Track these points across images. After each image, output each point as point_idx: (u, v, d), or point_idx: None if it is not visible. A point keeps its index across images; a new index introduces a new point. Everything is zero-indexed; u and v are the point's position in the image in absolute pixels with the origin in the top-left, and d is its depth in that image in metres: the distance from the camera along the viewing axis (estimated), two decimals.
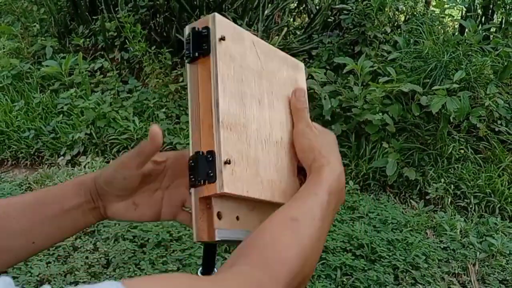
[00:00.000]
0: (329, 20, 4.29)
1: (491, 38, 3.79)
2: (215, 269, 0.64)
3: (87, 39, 4.23)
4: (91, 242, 2.37)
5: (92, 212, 0.65)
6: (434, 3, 4.49)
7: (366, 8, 3.72)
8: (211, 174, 0.56)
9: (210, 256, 0.64)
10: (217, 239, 0.56)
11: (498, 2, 4.04)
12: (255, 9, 4.36)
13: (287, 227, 0.54)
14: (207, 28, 0.59)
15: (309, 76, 3.25)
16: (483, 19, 4.20)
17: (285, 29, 4.37)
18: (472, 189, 2.94)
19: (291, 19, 5.12)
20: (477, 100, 3.28)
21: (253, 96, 0.63)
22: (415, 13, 4.43)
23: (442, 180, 2.97)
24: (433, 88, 3.05)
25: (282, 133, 0.67)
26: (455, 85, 2.96)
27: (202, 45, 0.59)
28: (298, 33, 4.63)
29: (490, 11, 4.22)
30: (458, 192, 2.96)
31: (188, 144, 0.60)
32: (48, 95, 3.75)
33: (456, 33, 4.06)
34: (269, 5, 4.47)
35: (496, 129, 3.32)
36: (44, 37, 4.42)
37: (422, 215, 2.74)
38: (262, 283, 0.48)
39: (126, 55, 4.00)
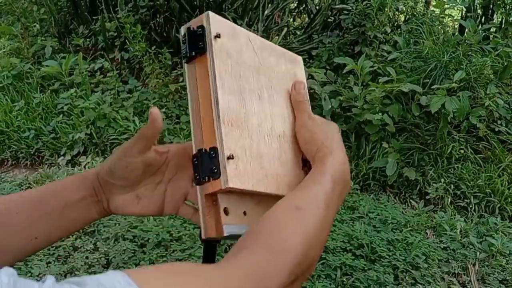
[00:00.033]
0: (329, 20, 4.30)
1: (491, 38, 3.79)
2: None
3: (87, 39, 4.23)
4: (91, 242, 2.37)
5: (95, 206, 0.65)
6: (434, 3, 4.49)
7: (366, 8, 3.72)
8: (215, 170, 0.56)
9: (210, 256, 0.64)
10: (225, 234, 0.57)
11: (498, 2, 4.05)
12: (255, 9, 4.36)
13: (291, 216, 0.54)
14: (202, 27, 0.59)
15: (309, 76, 3.25)
16: (483, 19, 4.20)
17: (285, 29, 4.37)
18: (472, 189, 2.95)
19: (291, 19, 5.12)
20: (477, 100, 3.28)
21: (252, 91, 0.64)
22: (415, 13, 4.43)
23: (442, 180, 2.98)
24: (433, 87, 3.05)
25: (284, 126, 0.67)
26: (455, 85, 2.96)
27: (198, 44, 0.59)
28: (298, 33, 4.63)
29: (490, 11, 4.23)
30: (458, 192, 2.96)
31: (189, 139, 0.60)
32: (48, 95, 3.75)
33: (456, 33, 4.06)
34: (269, 5, 4.47)
35: (496, 129, 3.32)
36: (44, 37, 4.42)
37: (422, 215, 2.75)
38: (266, 271, 0.48)
39: (126, 55, 4.00)
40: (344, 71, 3.31)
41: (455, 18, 4.56)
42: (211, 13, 0.60)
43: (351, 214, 2.67)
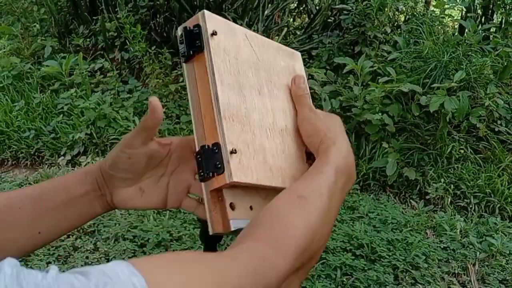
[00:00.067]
0: (329, 20, 4.30)
1: (491, 38, 3.79)
2: None
3: (87, 39, 4.23)
4: (91, 242, 2.37)
5: (99, 200, 0.65)
6: (434, 3, 4.50)
7: (366, 8, 3.73)
8: (219, 166, 0.56)
9: None
10: (232, 229, 0.57)
11: (498, 2, 4.05)
12: (255, 9, 4.36)
13: (294, 204, 0.54)
14: (198, 25, 0.60)
15: (309, 77, 3.26)
16: (483, 19, 4.20)
17: (285, 29, 4.37)
18: (472, 189, 2.95)
19: (291, 19, 5.12)
20: (477, 100, 3.29)
21: (252, 86, 0.64)
22: (415, 13, 4.43)
23: (442, 180, 2.98)
24: (432, 86, 3.06)
25: (286, 121, 0.68)
26: (454, 84, 2.97)
27: (195, 42, 0.59)
28: (298, 33, 4.63)
29: (490, 11, 4.23)
30: (458, 192, 2.96)
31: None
32: (48, 95, 3.75)
33: (456, 33, 4.06)
34: (269, 5, 4.47)
35: (496, 129, 3.32)
36: (44, 37, 4.43)
37: (422, 215, 2.75)
38: (269, 258, 0.48)
39: (126, 55, 4.00)
40: (344, 71, 3.31)
41: (455, 18, 4.57)
42: (206, 12, 0.60)
43: (351, 214, 2.68)
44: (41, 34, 4.54)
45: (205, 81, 0.59)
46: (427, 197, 2.95)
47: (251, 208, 0.61)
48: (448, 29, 4.41)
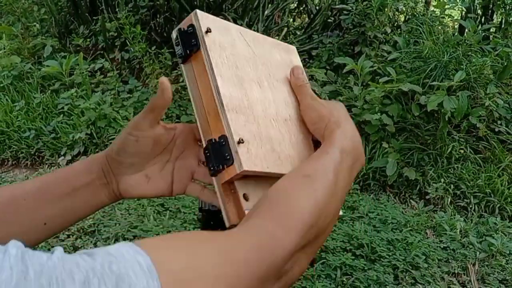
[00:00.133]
0: (329, 20, 4.30)
1: (490, 38, 3.80)
2: None
3: (88, 39, 4.23)
4: (91, 242, 2.37)
5: (104, 189, 0.65)
6: (434, 3, 4.50)
7: (366, 8, 3.73)
8: (228, 157, 0.56)
9: None
10: None
11: (498, 2, 4.05)
12: (255, 9, 4.36)
13: (299, 183, 0.54)
14: (192, 25, 0.60)
15: (309, 77, 3.26)
16: (482, 19, 4.21)
17: (285, 29, 4.38)
18: (472, 189, 2.95)
19: (291, 20, 5.12)
20: (477, 100, 3.29)
21: (251, 80, 0.64)
22: (415, 13, 4.43)
23: (442, 180, 2.98)
24: (432, 84, 3.06)
25: (289, 111, 0.68)
26: (454, 83, 2.97)
27: (191, 42, 0.60)
28: (298, 33, 4.64)
29: (489, 11, 4.23)
30: (458, 192, 2.97)
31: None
32: (49, 95, 3.75)
33: (456, 34, 4.06)
34: (269, 5, 4.48)
35: (496, 129, 3.33)
36: (45, 37, 4.43)
37: (422, 215, 2.75)
38: (275, 235, 0.48)
39: (126, 55, 4.01)
40: (344, 71, 3.32)
41: (455, 18, 4.57)
42: (198, 11, 0.61)
43: (351, 214, 2.68)
44: (42, 34, 4.55)
45: (205, 77, 0.59)
46: (427, 197, 2.96)
47: None
48: (448, 29, 4.41)
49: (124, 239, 2.36)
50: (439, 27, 4.12)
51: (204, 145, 0.59)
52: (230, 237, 0.47)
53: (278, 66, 0.71)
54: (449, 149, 3.10)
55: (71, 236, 2.41)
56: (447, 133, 3.17)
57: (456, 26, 4.44)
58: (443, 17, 4.28)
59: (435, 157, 3.12)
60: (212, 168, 0.57)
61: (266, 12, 4.35)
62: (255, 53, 0.68)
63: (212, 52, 0.59)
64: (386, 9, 3.81)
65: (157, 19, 4.16)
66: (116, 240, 2.36)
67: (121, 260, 0.35)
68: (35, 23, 4.62)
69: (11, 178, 3.15)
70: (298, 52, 0.78)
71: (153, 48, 3.75)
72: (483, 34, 3.75)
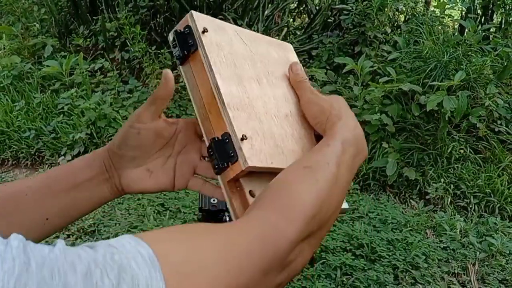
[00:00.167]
0: (329, 20, 4.31)
1: (490, 38, 3.80)
2: None
3: (88, 39, 4.23)
4: (91, 242, 2.37)
5: (106, 184, 0.65)
6: (434, 4, 4.50)
7: (366, 8, 3.73)
8: (232, 154, 0.56)
9: None
10: None
11: (498, 2, 4.05)
12: (255, 9, 4.37)
13: (301, 174, 0.54)
14: (188, 26, 0.60)
15: (310, 77, 3.26)
16: (482, 19, 4.21)
17: (285, 29, 4.38)
18: (472, 189, 2.95)
19: (291, 20, 5.12)
20: (477, 100, 3.29)
21: (250, 77, 0.64)
22: (415, 13, 4.44)
23: (442, 180, 2.98)
24: (432, 84, 3.06)
25: (289, 107, 0.68)
26: (453, 83, 2.97)
27: (188, 42, 0.60)
28: (298, 33, 4.64)
29: (489, 11, 4.23)
30: (458, 192, 2.97)
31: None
32: (49, 95, 3.75)
33: (456, 33, 4.07)
34: (269, 5, 4.48)
35: (496, 129, 3.33)
36: (45, 36, 4.43)
37: (422, 215, 2.75)
38: (277, 226, 0.48)
39: (126, 55, 4.01)
40: (344, 71, 3.32)
41: (455, 18, 4.57)
42: (193, 12, 0.61)
43: (351, 214, 2.68)
44: (42, 34, 4.55)
45: (204, 77, 0.59)
46: (427, 197, 2.96)
47: None
48: (448, 29, 4.42)
49: None
50: (439, 27, 4.12)
51: (207, 144, 0.59)
52: (232, 229, 0.47)
53: (275, 63, 0.71)
54: (449, 149, 3.11)
55: (71, 236, 2.41)
56: (447, 133, 3.17)
57: (456, 26, 4.44)
58: (443, 17, 4.28)
59: (435, 157, 3.13)
60: (217, 167, 0.57)
61: (266, 12, 4.35)
62: (252, 51, 0.68)
63: (210, 51, 0.59)
64: (386, 9, 3.81)
65: (157, 19, 4.16)
66: None
67: (123, 251, 0.35)
68: (35, 23, 4.63)
69: (11, 178, 3.15)
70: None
71: (153, 48, 3.75)
72: (483, 34, 3.75)
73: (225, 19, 3.80)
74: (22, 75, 4.03)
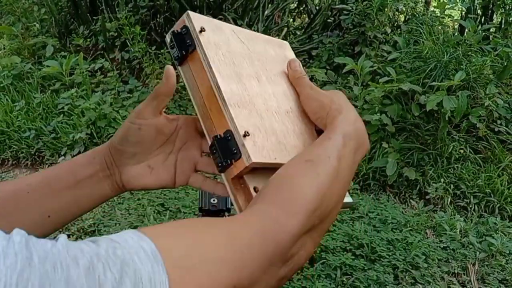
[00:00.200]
0: (329, 20, 4.31)
1: (490, 38, 3.80)
2: None
3: (88, 39, 4.24)
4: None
5: (107, 181, 0.65)
6: (434, 4, 4.50)
7: (366, 8, 3.73)
8: (235, 151, 0.56)
9: None
10: None
11: (498, 2, 4.05)
12: (255, 9, 4.37)
13: (302, 168, 0.54)
14: (185, 27, 0.61)
15: (310, 77, 3.26)
16: (482, 20, 4.21)
17: (285, 29, 4.38)
18: (471, 189, 2.95)
19: (291, 20, 5.13)
20: (477, 100, 3.29)
21: (250, 75, 0.65)
22: (415, 13, 4.44)
23: (442, 180, 2.98)
24: (432, 84, 3.06)
25: (289, 103, 0.68)
26: (453, 83, 2.97)
27: (186, 42, 0.60)
28: (298, 33, 4.64)
29: (489, 11, 4.23)
30: (458, 192, 2.97)
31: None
32: (49, 95, 3.75)
33: (456, 34, 4.07)
34: (269, 5, 4.48)
35: (496, 129, 3.33)
36: (45, 37, 4.43)
37: (422, 215, 2.75)
38: (278, 220, 0.48)
39: (126, 55, 4.01)
40: (344, 71, 3.32)
41: (455, 18, 4.57)
42: (190, 12, 0.61)
43: (351, 214, 2.68)
44: (42, 34, 4.55)
45: (204, 76, 0.59)
46: (427, 197, 2.96)
47: None
48: (448, 29, 4.42)
49: None
50: (439, 27, 4.12)
51: (210, 142, 0.59)
52: (233, 223, 0.47)
53: (273, 61, 0.71)
54: (449, 149, 3.11)
55: (71, 236, 2.41)
56: (447, 133, 3.17)
57: (456, 26, 4.44)
58: (443, 17, 4.28)
59: (435, 157, 3.13)
60: (220, 164, 0.57)
61: (266, 12, 4.36)
62: (250, 49, 0.68)
63: (208, 50, 0.60)
64: (386, 9, 3.81)
65: (157, 19, 4.17)
66: None
67: (125, 246, 0.36)
68: (35, 23, 4.63)
69: (11, 178, 3.15)
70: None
71: (153, 48, 3.75)
72: (483, 34, 3.75)
73: (225, 19, 3.80)
74: (22, 75, 4.03)
